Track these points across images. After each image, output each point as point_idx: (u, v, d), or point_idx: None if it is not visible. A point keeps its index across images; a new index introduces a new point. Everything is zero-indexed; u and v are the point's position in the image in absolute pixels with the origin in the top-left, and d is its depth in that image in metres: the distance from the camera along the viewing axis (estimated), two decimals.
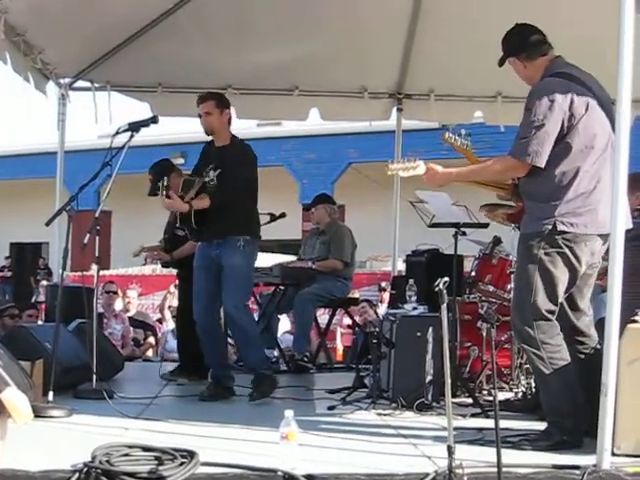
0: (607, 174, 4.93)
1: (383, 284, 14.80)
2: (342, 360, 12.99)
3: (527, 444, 4.99)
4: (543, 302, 5.03)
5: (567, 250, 4.98)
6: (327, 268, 9.40)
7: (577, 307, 5.25)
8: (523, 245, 5.15)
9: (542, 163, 4.95)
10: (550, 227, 4.97)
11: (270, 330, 9.36)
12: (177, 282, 8.86)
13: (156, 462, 4.12)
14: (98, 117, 9.77)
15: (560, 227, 4.96)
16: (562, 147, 4.97)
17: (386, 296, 13.06)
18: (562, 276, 5.03)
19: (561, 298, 5.09)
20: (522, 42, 5.28)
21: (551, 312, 5.06)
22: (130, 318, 12.18)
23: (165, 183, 7.00)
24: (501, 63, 5.41)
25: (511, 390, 7.17)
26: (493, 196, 5.94)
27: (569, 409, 5.01)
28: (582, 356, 5.20)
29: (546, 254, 5.00)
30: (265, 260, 9.08)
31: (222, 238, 7.04)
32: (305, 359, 9.08)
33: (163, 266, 9.29)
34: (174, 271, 8.96)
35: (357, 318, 11.83)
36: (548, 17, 5.48)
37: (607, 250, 4.77)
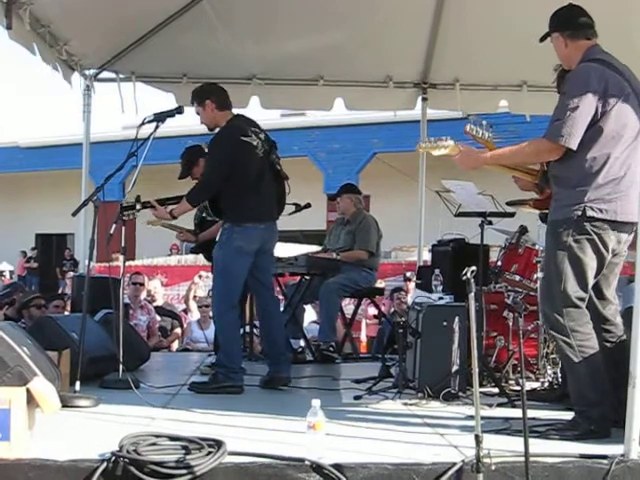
0: (636, 163, 4.95)
1: (408, 274, 14.79)
2: (366, 351, 13.00)
3: (554, 433, 4.98)
4: (573, 289, 5.01)
5: (595, 237, 4.96)
6: (352, 259, 9.40)
7: (603, 295, 5.22)
8: (551, 232, 5.13)
9: (574, 145, 4.93)
10: (579, 213, 4.95)
11: (296, 320, 9.36)
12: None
13: (183, 451, 4.15)
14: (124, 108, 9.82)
15: (589, 213, 4.94)
16: (594, 132, 4.95)
17: (411, 286, 13.05)
18: (591, 262, 5.01)
19: (590, 285, 5.07)
20: (570, 20, 5.25)
21: (581, 299, 5.03)
22: (158, 307, 12.20)
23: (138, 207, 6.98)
24: (543, 38, 5.39)
25: (537, 380, 7.16)
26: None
27: (597, 398, 4.99)
28: (608, 344, 5.18)
29: (575, 241, 4.98)
30: (290, 250, 9.09)
31: None
32: (331, 349, 9.08)
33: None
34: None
35: (384, 308, 11.86)
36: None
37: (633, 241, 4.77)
